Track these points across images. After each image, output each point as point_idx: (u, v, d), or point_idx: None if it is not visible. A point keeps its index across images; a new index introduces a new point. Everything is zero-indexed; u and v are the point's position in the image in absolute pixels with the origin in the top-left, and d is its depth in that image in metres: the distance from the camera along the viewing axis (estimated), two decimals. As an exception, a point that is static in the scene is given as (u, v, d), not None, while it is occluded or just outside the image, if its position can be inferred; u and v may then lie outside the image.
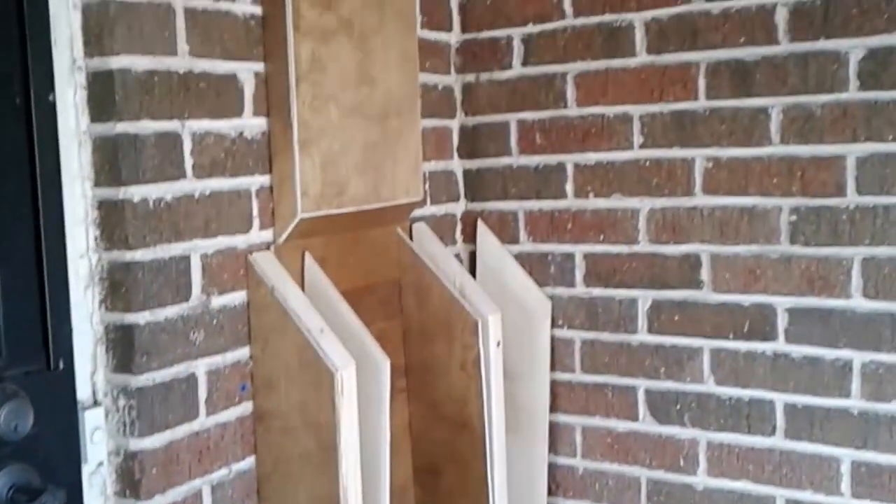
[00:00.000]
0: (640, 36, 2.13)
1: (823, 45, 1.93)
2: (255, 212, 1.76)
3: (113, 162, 1.51)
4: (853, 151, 1.92)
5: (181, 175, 1.60)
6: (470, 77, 2.38)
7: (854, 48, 1.90)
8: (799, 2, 1.95)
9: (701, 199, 2.12)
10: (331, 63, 1.86)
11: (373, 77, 1.97)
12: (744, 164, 2.05)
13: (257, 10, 1.76)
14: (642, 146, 2.16)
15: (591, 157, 2.23)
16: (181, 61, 1.60)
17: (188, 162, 1.61)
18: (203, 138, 1.64)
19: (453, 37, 2.37)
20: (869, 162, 1.90)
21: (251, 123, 1.74)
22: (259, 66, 1.75)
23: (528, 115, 2.30)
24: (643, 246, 2.17)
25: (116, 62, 1.49)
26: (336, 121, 1.87)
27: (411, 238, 2.20)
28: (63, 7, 1.49)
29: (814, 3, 1.94)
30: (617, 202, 2.21)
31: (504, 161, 2.35)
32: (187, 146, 1.61)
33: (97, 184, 1.53)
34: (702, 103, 2.08)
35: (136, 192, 1.52)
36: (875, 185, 1.90)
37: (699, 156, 2.10)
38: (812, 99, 1.95)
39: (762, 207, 2.02)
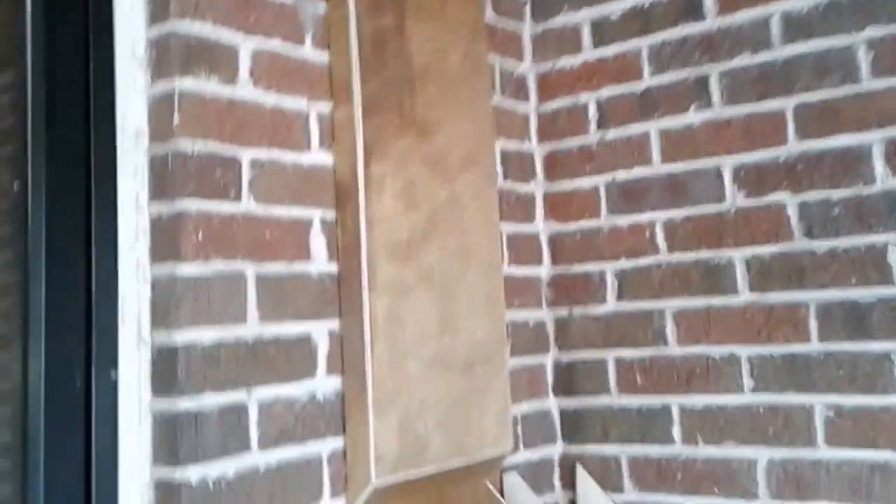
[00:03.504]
0: (740, 273, 1.95)
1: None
2: (326, 479, 1.56)
3: (172, 441, 1.38)
4: None
5: (245, 448, 1.49)
6: (562, 311, 2.20)
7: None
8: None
9: (826, 452, 1.85)
10: (409, 317, 1.67)
11: (456, 326, 1.80)
12: (870, 415, 1.81)
13: (333, 267, 1.64)
14: (754, 390, 1.94)
15: (698, 401, 2.01)
16: (251, 328, 1.52)
17: (254, 433, 1.50)
18: (271, 406, 1.53)
19: (543, 271, 2.11)
20: None
21: (324, 384, 1.61)
22: (334, 324, 1.63)
23: (627, 353, 2.12)
24: (765, 503, 1.89)
25: (181, 336, 1.40)
26: (415, 376, 1.71)
27: (502, 492, 2.01)
28: (133, 281, 1.43)
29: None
30: (730, 451, 1.96)
31: (603, 401, 2.11)
32: (253, 416, 1.50)
33: (155, 463, 1.40)
34: (815, 346, 1.88)
35: (193, 473, 1.37)
36: None
37: (818, 403, 1.86)
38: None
39: (896, 464, 1.71)
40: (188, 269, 1.43)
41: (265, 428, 1.52)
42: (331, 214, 1.67)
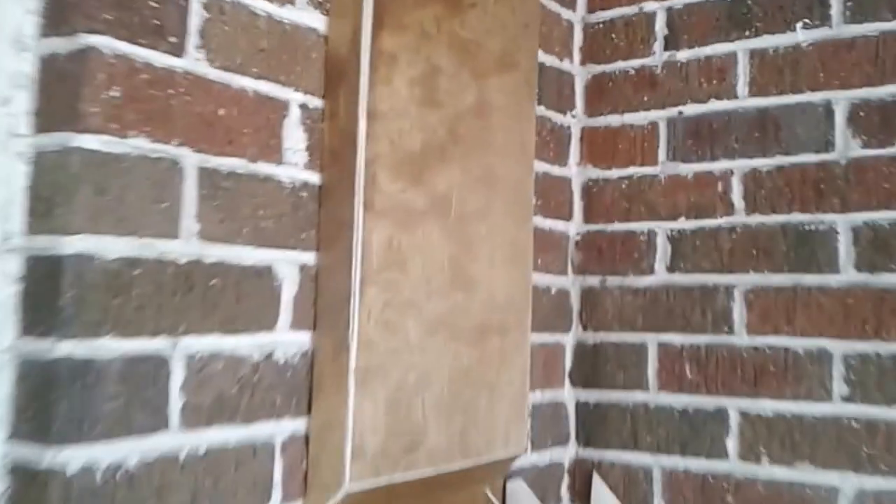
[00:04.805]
0: (845, 245, 1.49)
1: None
2: (277, 477, 1.10)
3: (43, 404, 0.90)
4: None
5: (160, 424, 0.98)
6: (593, 280, 1.76)
7: None
8: None
9: (936, 487, 1.40)
10: (415, 258, 1.17)
11: (472, 279, 1.34)
12: None
13: (314, 177, 1.15)
14: (847, 399, 1.48)
15: (768, 407, 1.55)
16: (185, 246, 1.02)
17: (175, 403, 0.99)
18: (206, 364, 1.02)
19: (572, 227, 1.67)
20: None
21: (287, 340, 1.11)
22: (309, 257, 1.14)
23: (676, 339, 1.65)
24: (845, 546, 1.44)
25: (73, 245, 0.89)
26: (415, 340, 1.21)
27: (504, 502, 1.52)
28: (3, 155, 0.93)
29: None
30: (805, 474, 1.50)
31: (637, 397, 1.66)
32: (177, 378, 0.99)
33: (15, 437, 0.91)
34: (939, 348, 1.39)
35: (73, 457, 0.90)
36: None
37: (934, 423, 1.40)
38: None
39: None
40: (92, 142, 0.91)
41: (194, 396, 1.01)
42: (317, 101, 1.16)
